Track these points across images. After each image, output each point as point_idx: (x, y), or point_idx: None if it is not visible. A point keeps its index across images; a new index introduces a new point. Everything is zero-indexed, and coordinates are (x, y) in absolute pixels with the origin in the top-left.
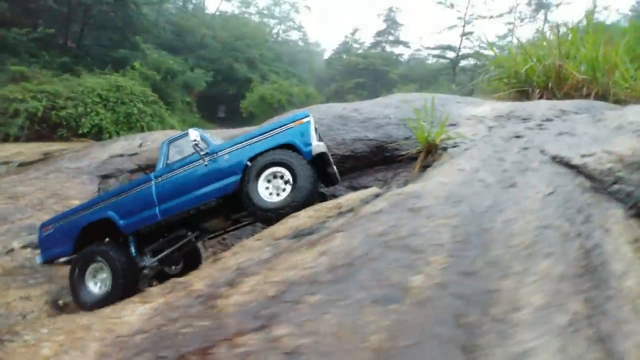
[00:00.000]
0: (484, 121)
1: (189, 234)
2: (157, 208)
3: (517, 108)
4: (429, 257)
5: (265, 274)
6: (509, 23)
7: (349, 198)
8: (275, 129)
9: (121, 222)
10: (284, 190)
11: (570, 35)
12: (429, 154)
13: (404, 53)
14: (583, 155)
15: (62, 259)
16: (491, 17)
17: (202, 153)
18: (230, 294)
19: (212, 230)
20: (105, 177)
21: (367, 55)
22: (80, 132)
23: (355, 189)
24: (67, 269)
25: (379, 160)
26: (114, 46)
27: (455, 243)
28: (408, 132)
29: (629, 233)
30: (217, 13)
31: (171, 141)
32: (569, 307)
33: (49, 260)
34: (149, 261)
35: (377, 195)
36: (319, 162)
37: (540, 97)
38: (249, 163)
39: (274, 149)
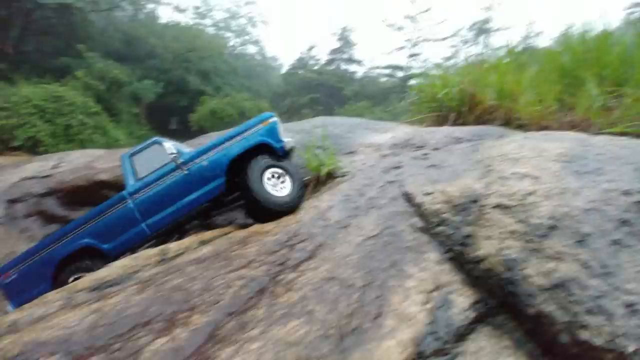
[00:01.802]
0: (380, 149)
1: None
2: (143, 224)
3: (415, 135)
4: (192, 317)
5: (26, 332)
6: (453, 46)
7: (184, 242)
8: (246, 130)
9: (105, 246)
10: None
11: (485, 62)
12: (320, 184)
13: (358, 71)
14: (425, 194)
15: None
16: (436, 40)
17: (179, 162)
18: None
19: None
20: (12, 201)
21: (322, 72)
22: (13, 145)
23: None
24: None
25: None
26: (56, 53)
27: (235, 298)
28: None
29: (431, 280)
30: (171, 23)
31: (133, 154)
32: None
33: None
34: None
35: (214, 238)
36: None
37: (455, 121)
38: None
39: (250, 149)
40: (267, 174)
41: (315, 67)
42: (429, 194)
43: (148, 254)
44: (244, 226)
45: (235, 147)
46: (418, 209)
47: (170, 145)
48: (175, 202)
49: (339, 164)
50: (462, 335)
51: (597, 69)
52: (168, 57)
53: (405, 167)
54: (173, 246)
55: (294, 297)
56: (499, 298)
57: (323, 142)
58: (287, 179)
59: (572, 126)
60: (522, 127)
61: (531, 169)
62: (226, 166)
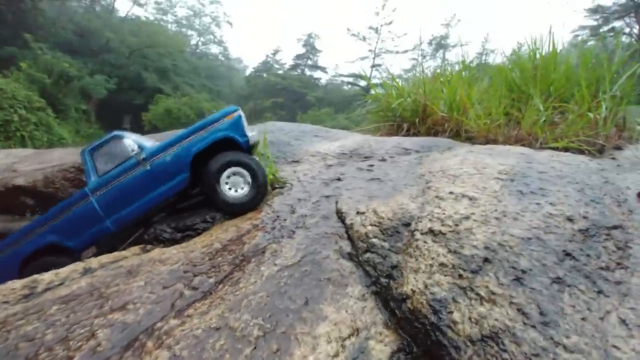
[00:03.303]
0: (326, 159)
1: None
2: (107, 220)
3: (364, 145)
4: None
5: None
6: (413, 59)
7: (64, 270)
8: (210, 124)
9: (70, 243)
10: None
11: (438, 75)
12: None
13: (322, 77)
14: (358, 213)
15: None
16: (397, 52)
17: (140, 157)
18: None
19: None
20: None
21: (287, 77)
22: None
23: (181, 230)
24: None
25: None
26: (0, 43)
27: (91, 355)
28: None
29: (349, 323)
30: (131, 16)
31: (93, 149)
32: None
33: None
34: None
35: (101, 267)
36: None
37: (407, 131)
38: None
39: (213, 143)
40: (227, 172)
41: (280, 72)
42: (361, 212)
43: (13, 286)
44: (147, 250)
45: (198, 141)
46: (348, 231)
47: (130, 141)
48: (139, 199)
49: (280, 174)
50: None
51: (544, 86)
52: (124, 52)
53: (347, 179)
54: (46, 277)
55: (162, 358)
56: (423, 346)
57: (264, 149)
58: (247, 177)
59: (518, 140)
60: (470, 139)
61: (470, 188)
62: (190, 161)
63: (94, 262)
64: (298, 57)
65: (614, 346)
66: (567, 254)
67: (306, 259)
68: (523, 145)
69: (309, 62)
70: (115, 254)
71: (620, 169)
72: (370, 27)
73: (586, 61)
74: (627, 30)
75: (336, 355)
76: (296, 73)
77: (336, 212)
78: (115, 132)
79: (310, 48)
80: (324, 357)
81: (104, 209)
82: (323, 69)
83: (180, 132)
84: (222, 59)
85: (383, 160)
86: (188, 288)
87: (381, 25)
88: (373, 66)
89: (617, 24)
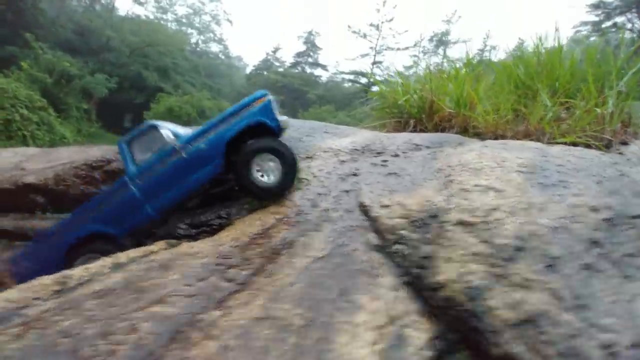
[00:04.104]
0: (338, 155)
1: None
2: (148, 207)
3: (375, 141)
4: None
5: None
6: (414, 56)
7: (92, 266)
8: (240, 110)
9: (112, 231)
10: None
11: (444, 72)
12: None
13: (322, 75)
14: (382, 206)
15: None
16: (398, 49)
17: (178, 146)
18: None
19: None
20: None
21: (287, 74)
22: None
23: (196, 227)
24: None
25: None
26: (1, 42)
27: (137, 348)
28: None
29: (385, 312)
30: (131, 15)
31: (130, 140)
32: None
33: None
34: None
35: (131, 261)
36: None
37: (414, 127)
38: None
39: (246, 128)
40: (258, 158)
41: (280, 69)
42: (386, 206)
43: (44, 282)
44: (173, 245)
45: (231, 128)
46: (374, 224)
47: (167, 131)
48: (176, 185)
49: None
50: None
51: (550, 81)
52: (124, 51)
53: (363, 174)
54: (77, 272)
55: (211, 348)
56: (460, 333)
57: None
58: (278, 162)
59: (526, 135)
60: (478, 135)
61: (494, 180)
62: (223, 148)
63: (122, 257)
64: (298, 54)
65: None
66: (594, 242)
67: (336, 252)
68: (531, 140)
69: (310, 59)
70: (143, 248)
71: (631, 162)
72: (371, 24)
73: (591, 57)
74: (629, 26)
75: (376, 343)
76: (297, 71)
77: (359, 206)
78: (151, 122)
79: (311, 45)
80: (365, 344)
81: (144, 196)
82: (324, 67)
83: (213, 119)
84: (223, 57)
85: (396, 155)
86: (224, 280)
87: (382, 22)
88: (374, 63)
89: (619, 19)
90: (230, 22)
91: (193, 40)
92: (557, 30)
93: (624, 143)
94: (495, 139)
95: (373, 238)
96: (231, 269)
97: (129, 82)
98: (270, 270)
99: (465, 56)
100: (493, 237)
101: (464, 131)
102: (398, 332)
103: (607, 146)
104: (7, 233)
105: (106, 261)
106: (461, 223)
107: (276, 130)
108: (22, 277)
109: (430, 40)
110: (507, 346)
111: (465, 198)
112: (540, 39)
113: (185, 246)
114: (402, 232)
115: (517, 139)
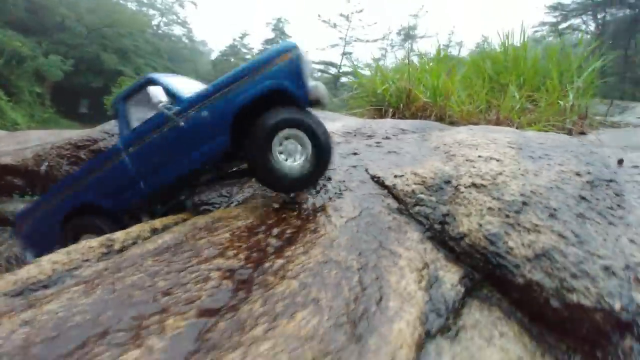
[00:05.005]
0: (333, 136)
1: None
2: (141, 182)
3: (364, 125)
4: (167, 321)
5: None
6: (382, 48)
7: (132, 230)
8: (257, 68)
9: (104, 203)
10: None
11: (421, 63)
12: None
13: None
14: (395, 176)
15: None
16: (367, 41)
17: (172, 112)
18: None
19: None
20: None
21: None
22: None
23: (197, 205)
24: None
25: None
26: None
27: (217, 292)
28: None
29: (419, 258)
30: None
31: (125, 97)
32: None
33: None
34: None
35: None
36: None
37: (393, 116)
38: None
39: (260, 96)
40: (280, 135)
41: (248, 57)
42: (399, 176)
43: (87, 246)
44: (200, 212)
45: (241, 92)
46: (390, 191)
47: (158, 90)
48: (171, 161)
49: None
50: (457, 310)
51: (515, 76)
52: (81, 31)
53: (363, 153)
54: (119, 236)
55: (293, 285)
56: (484, 271)
57: None
58: (307, 142)
59: (497, 124)
60: (453, 123)
61: (493, 152)
62: (230, 120)
63: (157, 223)
64: (267, 42)
65: (631, 254)
66: (582, 198)
67: (364, 213)
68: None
69: None
70: (171, 217)
71: (591, 146)
72: (341, 15)
73: (553, 55)
74: (583, 27)
75: (419, 281)
76: None
77: (371, 178)
78: (150, 76)
79: (280, 33)
80: (412, 282)
81: (136, 168)
82: None
83: (223, 77)
84: (186, 41)
85: (387, 138)
86: (271, 237)
87: (352, 13)
88: (343, 54)
89: (575, 21)
90: (195, 4)
91: (154, 22)
92: (523, 31)
93: (582, 133)
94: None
95: (392, 203)
96: (274, 228)
97: (85, 64)
98: (313, 228)
99: (435, 50)
100: (503, 195)
101: (440, 119)
102: (434, 273)
103: (569, 135)
104: None
105: (144, 226)
106: (474, 185)
107: (303, 100)
108: (34, 249)
109: (398, 33)
110: (529, 275)
111: (473, 166)
112: (507, 37)
113: (220, 212)
114: (421, 195)
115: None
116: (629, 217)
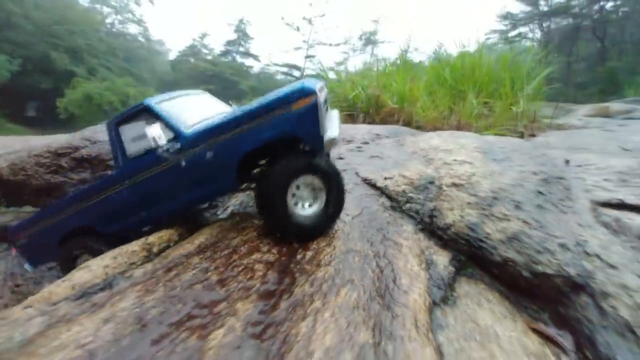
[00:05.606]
0: None
1: None
2: (139, 212)
3: (342, 131)
4: (235, 305)
5: None
6: (344, 52)
7: (162, 234)
8: (272, 108)
9: (102, 229)
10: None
11: (387, 70)
12: None
13: (254, 66)
14: (385, 178)
15: None
16: (330, 44)
17: (172, 152)
18: None
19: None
20: None
21: (217, 63)
22: None
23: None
24: None
25: None
26: None
27: (267, 280)
28: None
29: (416, 246)
30: None
31: (120, 122)
32: (358, 340)
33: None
34: None
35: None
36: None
37: (363, 121)
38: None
39: (272, 141)
40: (294, 184)
41: (209, 57)
42: (389, 178)
43: (130, 250)
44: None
45: (252, 135)
46: (382, 192)
47: (155, 129)
48: (170, 197)
49: None
50: (451, 285)
51: (471, 83)
52: (29, 29)
53: (347, 157)
54: (154, 240)
55: (330, 270)
56: (468, 254)
57: None
58: (322, 190)
59: (458, 128)
60: (419, 128)
61: (465, 157)
62: (236, 164)
63: (179, 229)
64: (229, 43)
65: (580, 235)
66: (540, 192)
67: (365, 211)
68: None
69: (241, 49)
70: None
71: (542, 148)
72: (304, 18)
73: (505, 63)
74: (530, 35)
75: (420, 264)
76: (227, 60)
77: (363, 180)
78: (147, 102)
79: (242, 34)
80: (415, 264)
81: (135, 200)
82: (255, 57)
83: (229, 114)
84: (142, 40)
85: (366, 143)
86: None
87: (314, 17)
88: (307, 57)
89: (524, 29)
90: (152, 2)
91: (108, 20)
92: (478, 42)
93: (533, 135)
94: (435, 130)
95: (386, 201)
96: None
97: (34, 64)
98: None
99: (398, 57)
100: (477, 192)
101: (408, 124)
102: (429, 257)
103: (520, 138)
104: None
105: (168, 231)
106: (454, 184)
107: (317, 148)
108: (34, 261)
109: (360, 38)
110: (505, 254)
111: (451, 169)
112: (463, 45)
113: (241, 214)
114: (410, 194)
115: (451, 131)
116: (576, 206)
